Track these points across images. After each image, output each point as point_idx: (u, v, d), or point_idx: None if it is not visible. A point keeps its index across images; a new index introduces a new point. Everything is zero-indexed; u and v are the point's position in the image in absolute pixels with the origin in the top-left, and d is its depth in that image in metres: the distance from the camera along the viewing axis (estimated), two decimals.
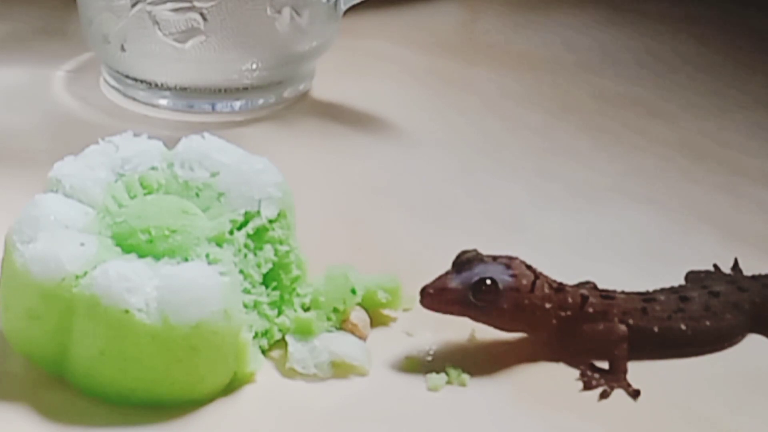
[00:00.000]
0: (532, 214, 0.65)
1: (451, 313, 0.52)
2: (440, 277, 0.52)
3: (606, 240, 0.63)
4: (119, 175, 0.54)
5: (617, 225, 0.64)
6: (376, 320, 0.55)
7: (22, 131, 0.71)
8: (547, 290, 0.52)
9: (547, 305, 0.52)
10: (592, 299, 0.53)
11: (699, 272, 0.58)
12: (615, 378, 0.52)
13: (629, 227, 0.64)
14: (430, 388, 0.52)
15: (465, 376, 0.52)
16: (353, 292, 0.54)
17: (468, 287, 0.51)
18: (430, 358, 0.53)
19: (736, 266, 0.59)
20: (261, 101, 0.74)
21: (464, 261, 0.52)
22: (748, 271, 0.59)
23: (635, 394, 0.52)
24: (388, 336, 0.55)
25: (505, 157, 0.71)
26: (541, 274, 0.53)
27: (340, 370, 0.52)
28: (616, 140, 0.73)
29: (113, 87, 0.75)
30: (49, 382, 0.51)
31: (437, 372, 0.52)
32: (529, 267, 0.52)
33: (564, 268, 0.57)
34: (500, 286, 0.51)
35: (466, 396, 0.51)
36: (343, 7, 0.75)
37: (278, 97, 0.74)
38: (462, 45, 0.86)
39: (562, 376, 0.53)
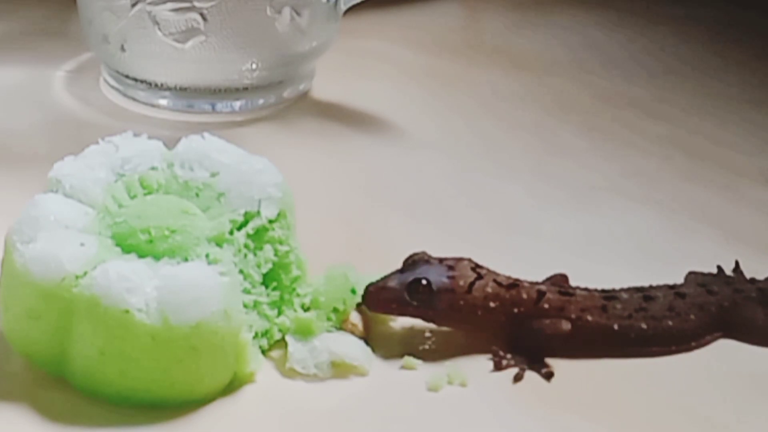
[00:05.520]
0: (531, 215, 0.65)
1: (392, 312, 0.53)
2: (384, 277, 0.53)
3: (605, 240, 0.63)
4: (119, 175, 0.54)
5: (616, 225, 0.64)
6: (376, 320, 0.55)
7: (22, 131, 0.71)
8: (491, 290, 0.53)
9: (492, 304, 0.53)
10: (549, 295, 0.53)
11: (699, 273, 0.58)
12: (527, 360, 0.53)
13: (628, 228, 0.64)
14: (430, 388, 0.52)
15: (465, 376, 0.52)
16: (353, 292, 0.54)
17: (404, 287, 0.52)
18: (430, 357, 0.53)
19: (737, 268, 0.59)
20: (261, 101, 0.74)
21: (411, 263, 0.53)
22: (747, 271, 0.59)
23: (548, 375, 0.52)
24: (388, 336, 0.55)
25: (504, 158, 0.71)
26: (488, 273, 0.53)
27: (340, 370, 0.52)
28: (615, 141, 0.73)
29: (113, 87, 0.75)
30: (49, 382, 0.51)
31: (437, 372, 0.52)
32: (475, 268, 0.53)
33: (563, 269, 0.57)
34: (434, 287, 0.52)
35: (466, 396, 0.52)
36: (343, 7, 0.75)
37: (278, 97, 0.74)
38: (462, 45, 0.86)
39: (562, 376, 0.53)
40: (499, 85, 0.79)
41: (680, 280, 0.57)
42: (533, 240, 0.62)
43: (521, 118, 0.75)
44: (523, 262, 0.58)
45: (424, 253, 0.54)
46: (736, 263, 0.60)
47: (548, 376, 0.52)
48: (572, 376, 0.53)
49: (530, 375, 0.53)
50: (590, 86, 0.80)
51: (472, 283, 0.53)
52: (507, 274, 0.54)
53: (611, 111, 0.77)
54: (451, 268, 0.53)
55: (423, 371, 0.53)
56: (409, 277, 0.53)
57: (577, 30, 0.88)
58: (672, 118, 0.76)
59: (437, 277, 0.53)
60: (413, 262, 0.53)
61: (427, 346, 0.54)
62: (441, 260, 0.53)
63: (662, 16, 0.90)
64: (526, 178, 0.69)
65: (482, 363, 0.53)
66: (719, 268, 0.59)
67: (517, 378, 0.52)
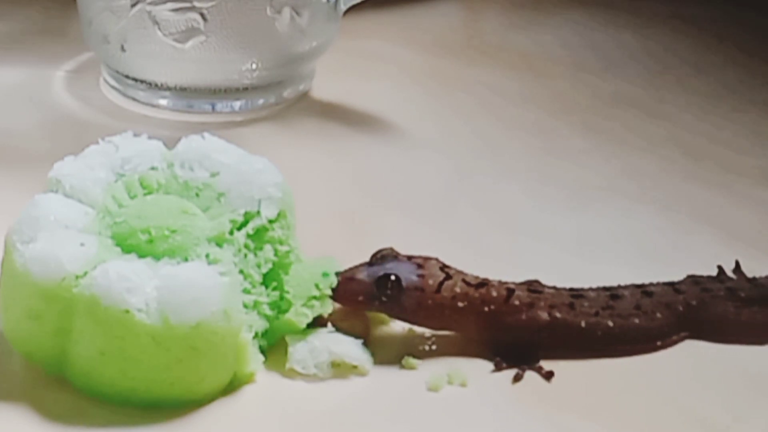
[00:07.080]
0: (531, 216, 0.65)
1: (358, 305, 0.53)
2: (352, 267, 0.53)
3: (604, 241, 0.63)
4: (119, 175, 0.54)
5: (615, 226, 0.64)
6: (376, 320, 0.55)
7: (22, 131, 0.71)
8: (460, 290, 0.53)
9: (461, 304, 0.53)
10: (518, 292, 0.53)
11: (698, 276, 0.58)
12: (526, 361, 0.53)
13: (628, 228, 0.64)
14: (430, 388, 0.52)
15: (465, 376, 0.52)
16: (325, 275, 0.53)
17: (373, 281, 0.52)
18: (429, 357, 0.53)
19: (737, 268, 0.59)
20: (261, 101, 0.74)
21: (379, 257, 0.53)
22: (747, 271, 0.59)
23: (549, 375, 0.52)
24: (388, 336, 0.55)
25: (504, 158, 0.71)
26: (456, 273, 0.53)
27: (340, 370, 0.52)
28: (614, 141, 0.73)
29: (113, 87, 0.75)
30: (49, 382, 0.51)
31: (437, 372, 0.52)
32: (443, 268, 0.53)
33: (561, 270, 0.57)
34: (403, 284, 0.52)
35: (466, 396, 0.52)
36: (343, 7, 0.75)
37: (278, 97, 0.74)
38: (461, 45, 0.86)
39: (562, 376, 0.53)
40: (498, 85, 0.79)
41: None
42: (532, 240, 0.62)
43: (521, 118, 0.75)
44: (522, 263, 0.58)
45: (391, 249, 0.54)
46: (737, 263, 0.60)
47: (548, 376, 0.52)
48: (572, 376, 0.53)
49: (530, 375, 0.53)
50: (590, 86, 0.80)
51: (441, 283, 0.53)
52: (507, 274, 0.54)
53: (611, 111, 0.77)
54: (420, 266, 0.53)
55: (423, 371, 0.53)
56: (379, 271, 0.52)
57: (577, 30, 0.88)
58: (672, 118, 0.76)
59: (407, 274, 0.52)
60: (382, 257, 0.53)
61: (427, 347, 0.54)
62: (409, 258, 0.53)
63: (662, 16, 0.90)
64: (526, 178, 0.69)
65: (482, 363, 0.53)
66: (720, 268, 0.59)
67: (517, 378, 0.52)
